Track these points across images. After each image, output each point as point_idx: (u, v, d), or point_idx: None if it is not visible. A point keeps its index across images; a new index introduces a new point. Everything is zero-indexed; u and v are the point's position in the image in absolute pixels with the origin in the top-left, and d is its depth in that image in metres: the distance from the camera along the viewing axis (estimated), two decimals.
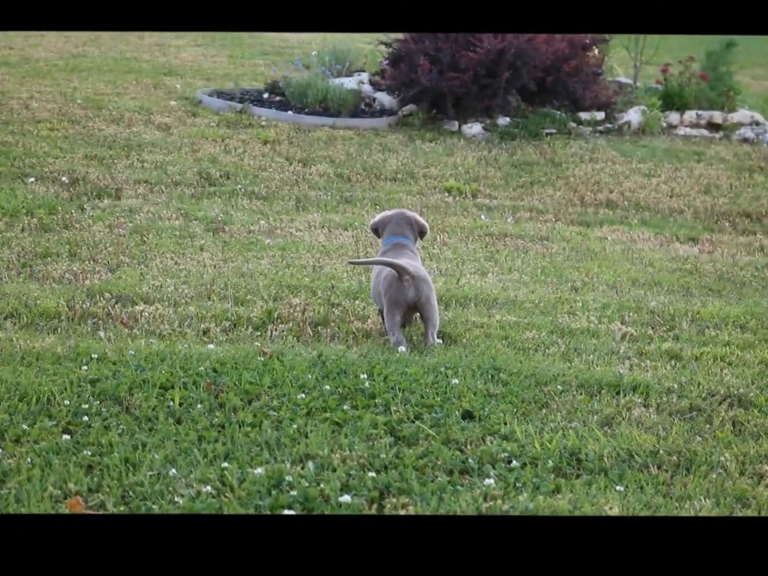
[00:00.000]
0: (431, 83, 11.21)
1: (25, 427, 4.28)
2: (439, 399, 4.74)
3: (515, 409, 4.72)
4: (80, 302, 5.83)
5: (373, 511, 3.81)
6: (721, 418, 4.76)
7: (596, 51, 12.47)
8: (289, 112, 11.49)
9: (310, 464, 4.08)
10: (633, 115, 12.12)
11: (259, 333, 5.64)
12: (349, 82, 12.14)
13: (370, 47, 13.88)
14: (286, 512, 3.73)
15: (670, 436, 4.54)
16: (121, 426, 4.33)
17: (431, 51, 11.33)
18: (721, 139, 12.22)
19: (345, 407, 4.60)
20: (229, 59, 15.16)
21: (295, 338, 5.57)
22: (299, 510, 3.76)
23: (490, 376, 5.03)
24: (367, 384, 4.81)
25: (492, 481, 4.04)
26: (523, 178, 10.00)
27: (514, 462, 4.21)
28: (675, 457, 4.34)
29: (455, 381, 4.92)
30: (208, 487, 3.88)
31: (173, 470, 3.98)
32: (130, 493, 3.85)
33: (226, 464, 4.04)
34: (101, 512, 3.72)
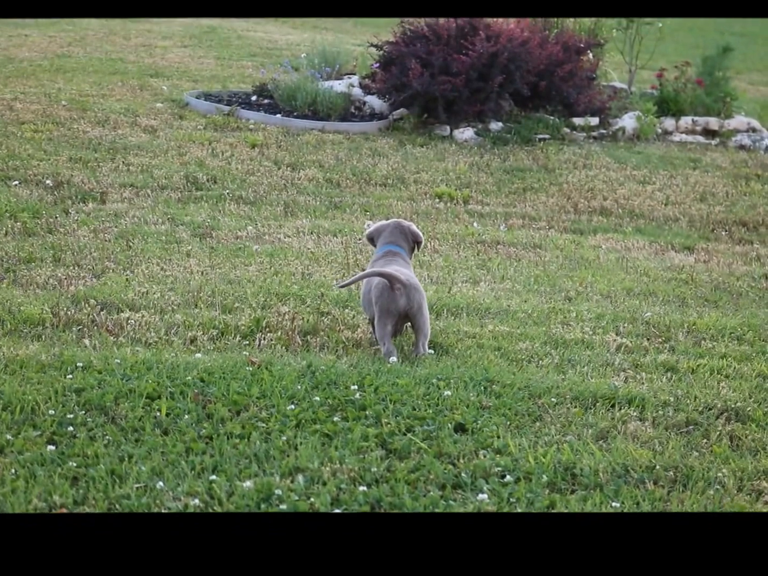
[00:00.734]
0: (422, 87, 11.10)
1: (8, 437, 4.20)
2: (430, 411, 4.67)
3: (508, 422, 4.65)
4: (65, 309, 5.73)
5: None
6: (718, 433, 4.69)
7: (590, 55, 12.39)
8: (278, 116, 11.39)
9: (300, 477, 4.03)
10: (628, 121, 12.02)
11: (247, 342, 5.55)
12: (339, 85, 12.04)
13: (360, 50, 13.79)
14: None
15: (666, 450, 4.47)
16: (107, 437, 4.26)
17: (423, 54, 11.23)
18: (717, 145, 12.11)
19: (335, 419, 4.52)
20: (217, 61, 15.03)
21: (283, 347, 5.48)
22: None
23: (482, 387, 4.96)
24: (357, 395, 4.74)
25: (485, 496, 3.99)
26: (515, 184, 9.90)
27: (508, 476, 4.15)
28: (671, 473, 4.28)
29: (447, 393, 4.84)
30: (196, 501, 3.84)
31: (160, 483, 3.93)
32: (117, 506, 3.79)
33: (214, 477, 3.99)
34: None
